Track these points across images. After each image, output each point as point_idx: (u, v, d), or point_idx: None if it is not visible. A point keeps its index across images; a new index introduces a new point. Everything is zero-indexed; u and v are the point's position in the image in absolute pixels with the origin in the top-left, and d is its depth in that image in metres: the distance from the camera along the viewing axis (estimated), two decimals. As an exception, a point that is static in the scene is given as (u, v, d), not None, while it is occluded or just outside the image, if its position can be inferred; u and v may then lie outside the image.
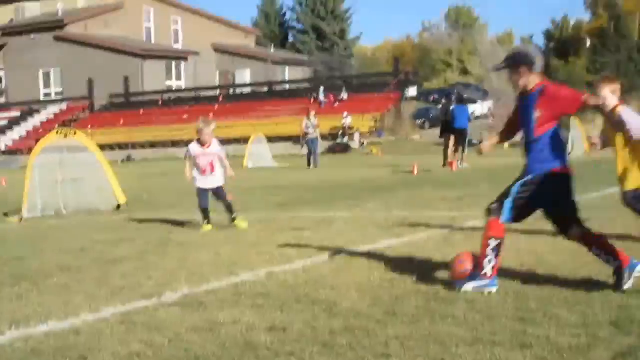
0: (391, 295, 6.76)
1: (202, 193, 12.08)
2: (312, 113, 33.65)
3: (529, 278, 7.20)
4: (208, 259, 9.08)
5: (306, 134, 32.41)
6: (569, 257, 8.11)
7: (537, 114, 6.73)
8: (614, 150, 8.72)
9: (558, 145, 6.82)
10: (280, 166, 33.81)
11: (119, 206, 15.84)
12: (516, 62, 6.83)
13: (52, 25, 65.28)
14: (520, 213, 6.93)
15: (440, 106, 37.21)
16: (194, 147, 12.15)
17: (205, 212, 12.10)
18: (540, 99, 6.71)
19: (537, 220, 11.02)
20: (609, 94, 7.15)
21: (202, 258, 9.18)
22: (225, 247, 9.90)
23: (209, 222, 12.04)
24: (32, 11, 69.51)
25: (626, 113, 6.56)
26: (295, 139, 47.99)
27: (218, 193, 12.17)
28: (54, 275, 8.56)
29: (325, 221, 12.27)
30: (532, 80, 6.80)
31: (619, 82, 8.45)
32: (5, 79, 68.94)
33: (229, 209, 12.15)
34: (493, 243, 6.84)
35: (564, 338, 5.32)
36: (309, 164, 31.79)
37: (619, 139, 8.57)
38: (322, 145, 45.96)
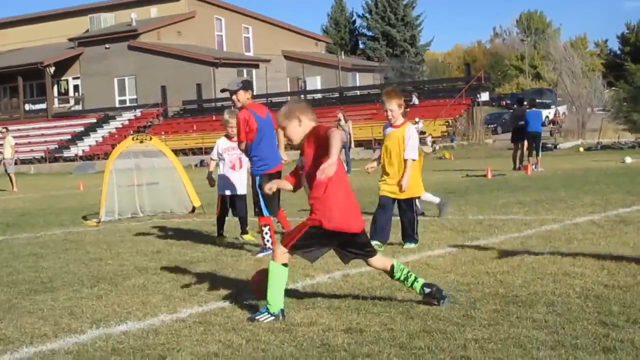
0: (468, 298, 6.68)
1: (224, 200, 11.39)
2: (341, 115, 30.90)
3: (610, 282, 7.05)
4: (283, 262, 9.08)
5: None
6: (651, 261, 7.91)
7: None
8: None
9: None
10: (351, 170, 33.67)
11: (193, 209, 15.99)
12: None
13: (126, 35, 66.45)
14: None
15: (512, 111, 36.80)
16: (222, 142, 11.50)
17: (221, 221, 11.46)
18: None
19: (617, 223, 10.86)
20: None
21: (277, 260, 9.18)
22: (299, 250, 9.91)
23: (222, 234, 11.42)
24: (106, 21, 70.86)
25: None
26: (366, 144, 48.03)
27: (240, 203, 11.48)
28: (131, 276, 8.68)
29: (399, 225, 12.18)
30: None
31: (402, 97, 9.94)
32: (81, 87, 70.36)
33: (244, 222, 11.49)
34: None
35: (649, 342, 5.19)
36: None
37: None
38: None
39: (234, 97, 9.95)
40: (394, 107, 9.68)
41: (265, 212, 9.82)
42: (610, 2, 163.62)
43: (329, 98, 62.17)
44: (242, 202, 11.54)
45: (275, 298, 6.31)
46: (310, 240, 6.33)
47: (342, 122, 30.10)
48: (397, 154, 9.75)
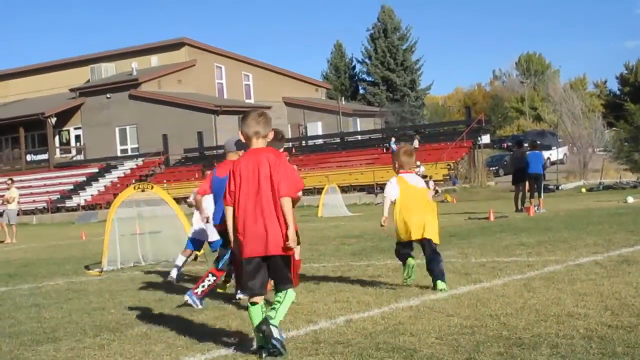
0: (472, 342, 6.65)
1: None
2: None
3: (614, 322, 7.02)
4: (286, 308, 9.05)
5: None
6: (654, 300, 7.89)
7: None
8: None
9: None
10: (354, 215, 33.75)
11: (196, 257, 15.95)
12: None
13: (127, 84, 66.87)
14: None
15: (512, 153, 36.93)
16: None
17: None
18: None
19: (620, 263, 10.83)
20: None
21: (280, 307, 9.15)
22: (302, 296, 9.88)
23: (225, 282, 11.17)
24: (107, 71, 71.35)
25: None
26: (368, 189, 48.06)
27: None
28: (134, 325, 8.65)
29: (401, 268, 12.15)
30: None
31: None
32: (83, 137, 70.64)
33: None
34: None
35: (654, 382, 5.16)
36: None
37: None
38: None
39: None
40: None
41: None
42: (609, 43, 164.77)
43: (330, 143, 62.39)
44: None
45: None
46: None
47: None
48: None
